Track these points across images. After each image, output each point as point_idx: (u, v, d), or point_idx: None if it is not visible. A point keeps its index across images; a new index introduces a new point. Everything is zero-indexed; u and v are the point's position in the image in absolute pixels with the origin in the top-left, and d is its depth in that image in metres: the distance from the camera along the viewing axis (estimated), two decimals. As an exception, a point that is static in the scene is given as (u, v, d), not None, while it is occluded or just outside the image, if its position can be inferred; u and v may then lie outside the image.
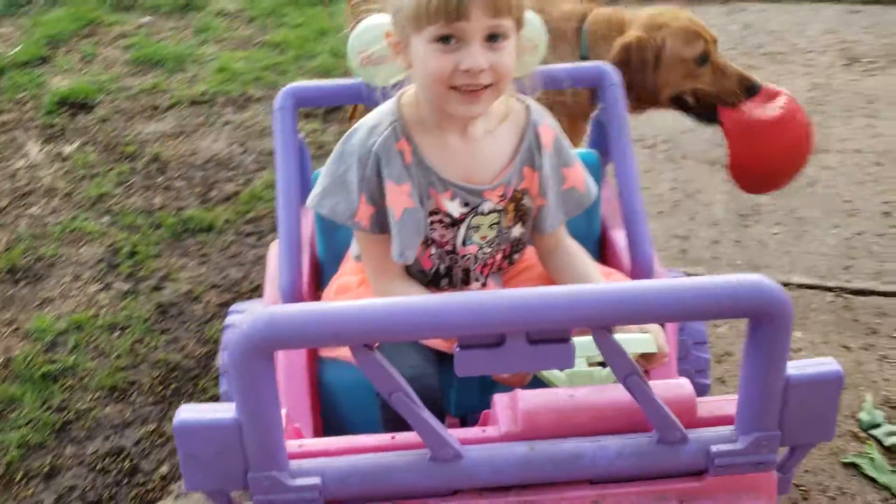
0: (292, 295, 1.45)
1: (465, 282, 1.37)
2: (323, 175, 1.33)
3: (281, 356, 1.42)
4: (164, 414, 1.88)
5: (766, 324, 0.97)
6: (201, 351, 2.04)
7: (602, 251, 1.65)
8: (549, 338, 0.98)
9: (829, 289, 2.25)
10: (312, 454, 1.05)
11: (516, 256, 1.41)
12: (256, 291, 2.24)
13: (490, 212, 1.31)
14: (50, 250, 2.37)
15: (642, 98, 2.02)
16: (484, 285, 1.39)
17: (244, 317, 0.93)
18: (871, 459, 1.77)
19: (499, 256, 1.37)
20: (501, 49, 1.19)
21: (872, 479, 1.73)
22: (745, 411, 1.04)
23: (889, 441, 1.80)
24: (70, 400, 1.90)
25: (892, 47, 3.49)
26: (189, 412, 0.98)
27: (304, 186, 1.66)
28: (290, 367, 1.42)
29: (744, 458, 1.04)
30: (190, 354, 2.04)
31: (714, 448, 1.03)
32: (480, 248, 1.34)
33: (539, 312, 0.94)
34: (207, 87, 3.17)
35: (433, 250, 1.32)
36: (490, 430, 1.09)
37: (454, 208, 1.29)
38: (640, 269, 1.53)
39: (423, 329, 0.96)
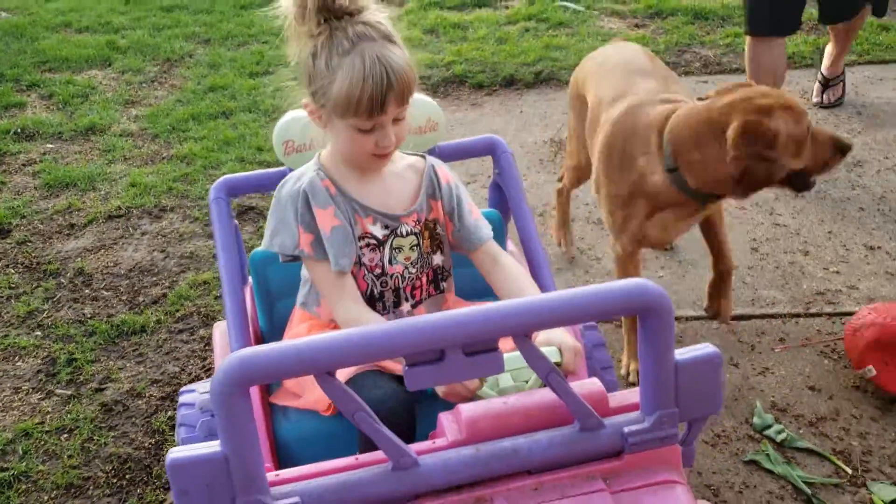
0: (245, 361, 1.60)
1: (397, 304, 1.59)
2: (268, 222, 1.58)
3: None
4: (122, 503, 1.96)
5: (651, 317, 1.20)
6: (150, 442, 2.13)
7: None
8: (481, 349, 1.17)
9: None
10: (288, 480, 1.20)
11: (444, 284, 1.64)
12: (195, 381, 2.34)
13: (408, 234, 1.57)
14: (-15, 368, 2.42)
15: (756, 183, 1.92)
16: (414, 307, 1.60)
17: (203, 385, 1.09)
18: (767, 455, 2.01)
19: (424, 280, 1.60)
20: (402, 124, 1.50)
21: (770, 472, 1.98)
22: (646, 394, 1.26)
23: (779, 438, 2.06)
24: (27, 502, 1.96)
25: (739, 109, 3.95)
26: (179, 452, 1.12)
27: (242, 265, 1.83)
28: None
29: (651, 434, 1.25)
30: (140, 446, 2.12)
31: (626, 429, 1.24)
32: (406, 268, 1.58)
33: (471, 326, 1.14)
34: (121, 203, 3.30)
35: (365, 272, 1.55)
36: (439, 441, 1.26)
37: (377, 231, 1.55)
38: (548, 306, 1.75)
39: (375, 353, 1.14)
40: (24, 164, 3.70)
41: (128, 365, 2.42)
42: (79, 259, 2.95)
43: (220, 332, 1.83)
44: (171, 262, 2.91)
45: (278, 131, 1.71)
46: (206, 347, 2.48)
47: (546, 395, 1.29)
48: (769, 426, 2.10)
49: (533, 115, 4.01)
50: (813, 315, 2.51)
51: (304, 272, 1.65)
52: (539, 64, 4.50)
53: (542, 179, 3.37)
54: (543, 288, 1.79)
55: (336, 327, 1.59)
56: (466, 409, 1.26)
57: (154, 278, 2.83)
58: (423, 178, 1.61)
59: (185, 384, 2.33)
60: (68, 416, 2.23)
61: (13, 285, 2.82)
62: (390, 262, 1.57)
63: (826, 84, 3.96)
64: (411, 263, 1.58)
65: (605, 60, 2.40)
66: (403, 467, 1.19)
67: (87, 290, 2.78)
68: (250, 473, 1.13)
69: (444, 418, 1.30)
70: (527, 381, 1.42)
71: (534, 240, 1.78)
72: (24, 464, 2.07)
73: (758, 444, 2.06)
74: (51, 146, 3.88)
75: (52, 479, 2.02)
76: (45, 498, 1.97)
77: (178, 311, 2.64)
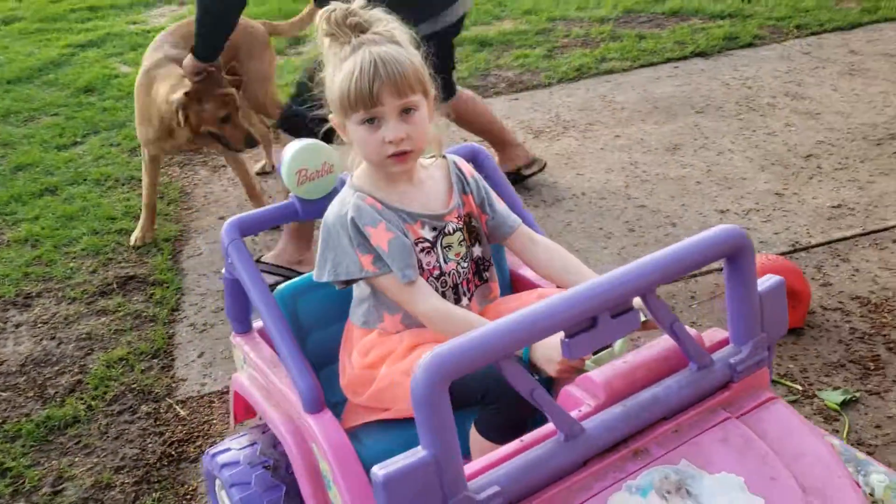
0: (312, 395, 1.55)
1: (457, 300, 1.63)
2: (322, 255, 1.57)
3: (328, 447, 1.50)
4: None
5: (740, 257, 1.36)
6: (148, 528, 1.95)
7: (514, 288, 1.96)
8: (622, 311, 1.27)
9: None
10: (474, 475, 1.21)
11: (486, 274, 1.70)
12: (164, 458, 2.17)
13: (454, 231, 1.62)
14: None
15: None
16: (470, 300, 1.65)
17: (421, 362, 1.09)
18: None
19: (471, 273, 1.66)
20: (413, 120, 1.53)
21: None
22: (738, 326, 1.41)
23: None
24: None
25: (555, 118, 4.34)
26: (386, 467, 1.10)
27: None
28: (342, 454, 1.51)
29: (751, 359, 1.41)
30: (137, 535, 1.93)
31: (732, 360, 1.40)
32: (458, 263, 1.63)
33: (615, 290, 1.24)
34: (-27, 299, 2.93)
35: (428, 276, 1.58)
36: (583, 408, 1.33)
37: (427, 234, 1.59)
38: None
39: (545, 329, 1.20)
40: None
41: (76, 460, 2.17)
42: (-49, 366, 2.59)
43: (248, 378, 1.73)
44: (69, 348, 2.64)
45: (290, 162, 1.67)
46: (157, 422, 2.30)
47: (653, 349, 1.41)
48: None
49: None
50: (706, 273, 2.85)
51: (359, 292, 1.63)
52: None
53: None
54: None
55: (411, 334, 1.59)
56: (597, 374, 1.35)
57: (56, 367, 2.56)
58: (450, 175, 1.67)
59: (154, 463, 2.15)
60: (34, 528, 1.97)
61: None
62: (444, 261, 1.61)
63: None
64: (462, 258, 1.63)
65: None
66: (574, 435, 1.25)
67: (-20, 396, 2.45)
68: (456, 471, 1.14)
69: (572, 391, 1.37)
70: (610, 347, 1.54)
71: (535, 226, 1.88)
72: (7, 589, 1.80)
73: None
74: None
75: None
76: None
77: (105, 393, 2.41)
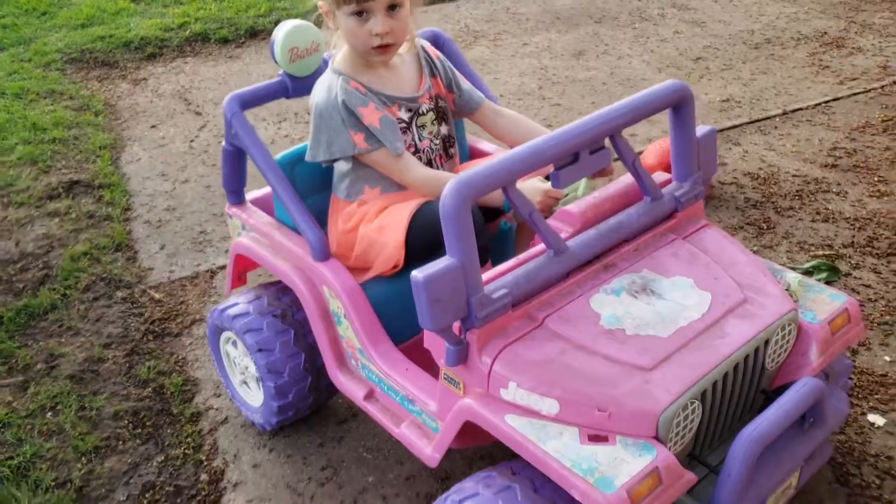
0: (321, 245, 1.75)
1: None
2: (315, 136, 1.74)
3: (340, 288, 1.72)
4: (162, 445, 1.96)
5: (683, 107, 1.65)
6: (148, 391, 2.11)
7: (472, 157, 2.20)
8: (596, 148, 1.54)
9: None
10: (486, 281, 1.46)
11: (451, 150, 1.91)
12: (148, 334, 2.32)
13: (427, 111, 1.83)
14: None
15: None
16: None
17: (450, 184, 1.33)
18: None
19: (441, 150, 1.87)
20: (398, 17, 1.72)
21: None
22: (679, 165, 1.71)
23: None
24: (62, 474, 1.87)
25: (465, 29, 4.55)
26: (423, 271, 1.33)
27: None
28: (353, 294, 1.73)
29: (692, 192, 1.71)
30: (140, 398, 2.09)
31: (677, 193, 1.70)
32: (431, 141, 1.83)
33: (594, 131, 1.50)
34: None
35: None
36: (563, 234, 1.61)
37: (403, 115, 1.79)
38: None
39: (545, 160, 1.44)
40: None
41: (63, 340, 2.30)
42: None
43: (251, 240, 1.91)
44: (28, 247, 2.71)
45: (284, 40, 1.82)
46: (134, 305, 2.44)
47: (616, 186, 1.69)
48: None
49: (292, 58, 4.21)
50: (620, 160, 3.17)
51: (341, 167, 1.81)
52: (273, 14, 4.67)
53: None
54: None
55: (384, 198, 1.80)
56: (573, 207, 1.62)
57: (18, 265, 2.63)
58: (420, 60, 1.86)
59: (140, 339, 2.30)
60: (38, 397, 2.10)
61: None
62: (419, 139, 1.81)
63: None
64: (434, 136, 1.84)
65: None
66: (561, 252, 1.52)
67: (-54, 294, 2.51)
68: (476, 274, 1.39)
69: (553, 221, 1.64)
70: (577, 190, 1.81)
71: (495, 98, 2.11)
72: (25, 449, 1.94)
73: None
74: None
75: (72, 447, 1.94)
76: (79, 466, 1.90)
77: (77, 283, 2.52)
